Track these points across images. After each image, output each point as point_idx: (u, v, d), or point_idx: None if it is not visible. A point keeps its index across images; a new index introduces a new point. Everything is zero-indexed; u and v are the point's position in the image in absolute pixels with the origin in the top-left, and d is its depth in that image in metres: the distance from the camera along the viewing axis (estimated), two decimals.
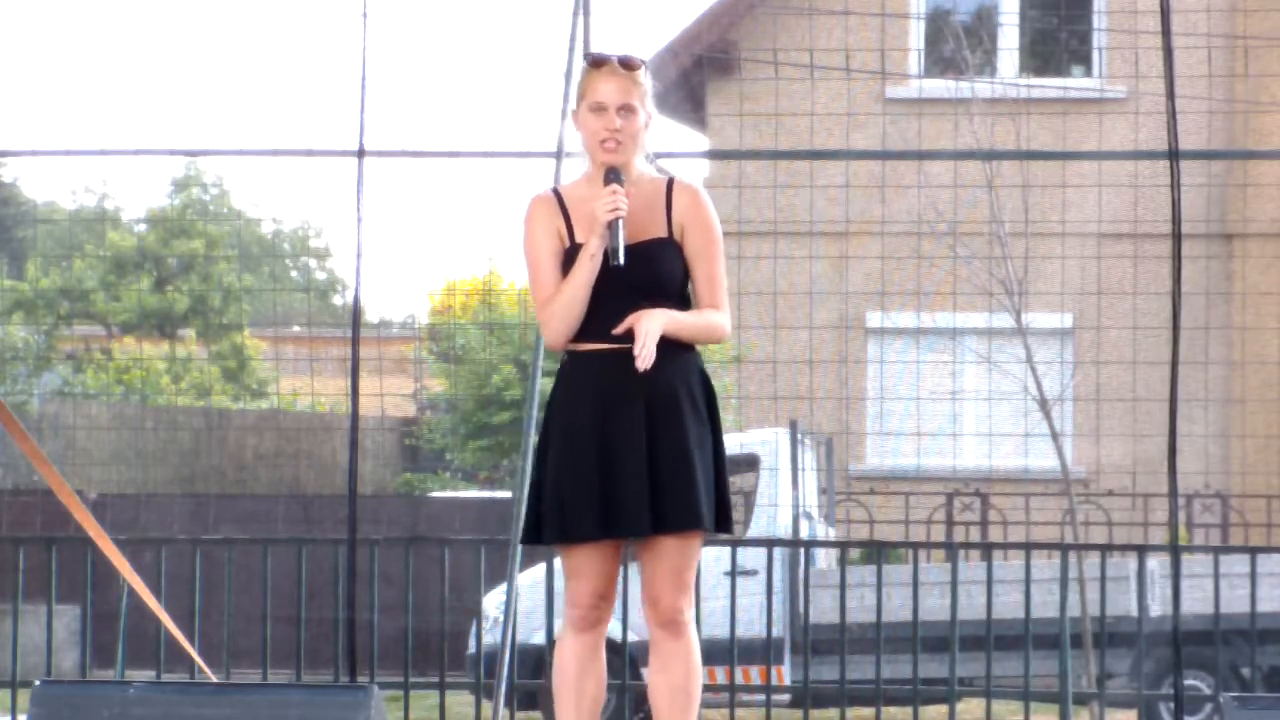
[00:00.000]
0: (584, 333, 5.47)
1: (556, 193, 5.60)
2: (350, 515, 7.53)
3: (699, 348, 5.60)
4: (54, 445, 22.46)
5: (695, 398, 5.51)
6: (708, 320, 5.53)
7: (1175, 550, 7.62)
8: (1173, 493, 7.14)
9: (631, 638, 10.89)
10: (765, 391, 13.45)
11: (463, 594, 12.36)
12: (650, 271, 5.47)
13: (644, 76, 5.55)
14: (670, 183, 5.59)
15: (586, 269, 5.42)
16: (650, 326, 5.39)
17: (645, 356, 5.36)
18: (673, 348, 5.46)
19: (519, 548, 9.12)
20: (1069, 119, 17.72)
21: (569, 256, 5.49)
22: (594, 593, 5.50)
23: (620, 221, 5.40)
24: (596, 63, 5.52)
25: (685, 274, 5.55)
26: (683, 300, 5.55)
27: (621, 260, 5.40)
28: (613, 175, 5.46)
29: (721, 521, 5.52)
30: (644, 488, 5.40)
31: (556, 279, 5.48)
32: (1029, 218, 14.02)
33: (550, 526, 5.48)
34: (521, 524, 5.63)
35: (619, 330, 5.42)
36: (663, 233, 5.52)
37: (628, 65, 5.51)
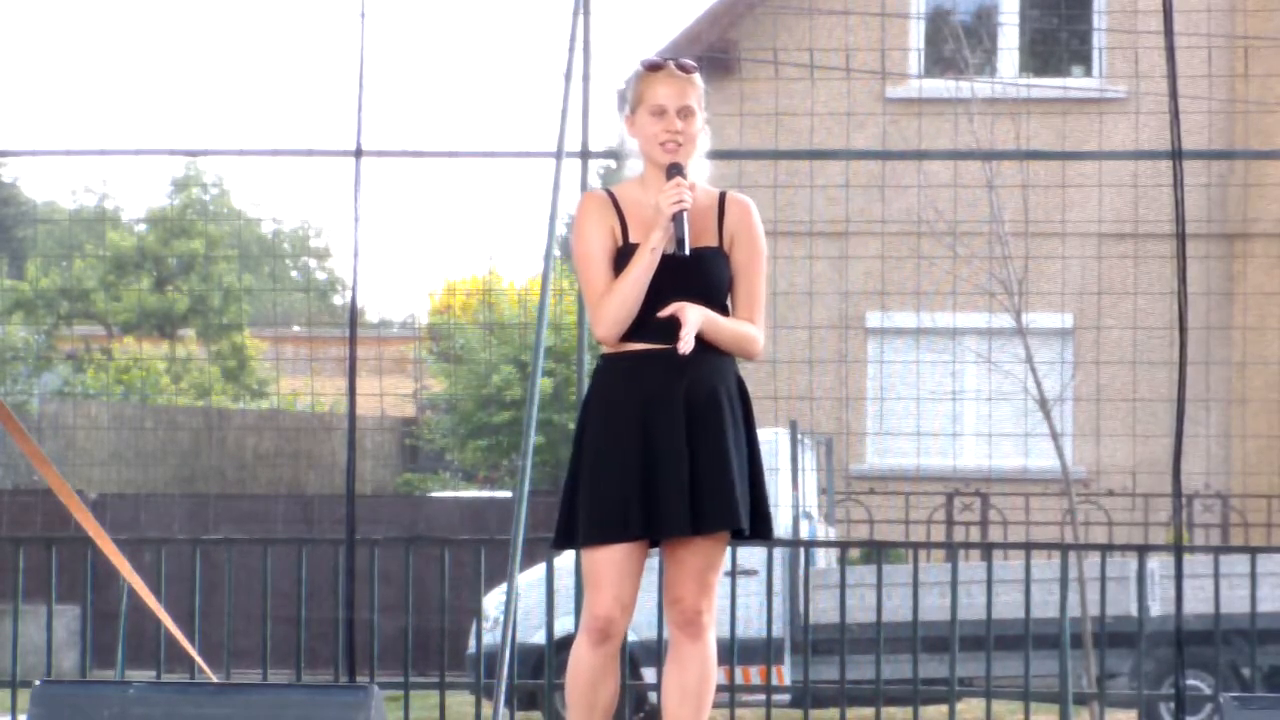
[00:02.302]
0: (627, 333, 5.44)
1: (610, 192, 5.55)
2: (349, 515, 7.51)
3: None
4: (54, 445, 22.46)
5: (733, 402, 5.50)
6: (745, 331, 5.51)
7: (1178, 550, 7.61)
8: (1176, 493, 7.12)
9: (631, 638, 10.88)
10: (765, 391, 13.41)
11: (463, 594, 12.35)
12: (701, 277, 5.45)
13: (699, 79, 5.54)
14: (723, 195, 5.57)
15: (646, 262, 5.38)
16: (693, 316, 5.37)
17: (686, 342, 5.34)
18: (711, 352, 5.45)
19: (519, 548, 9.10)
20: (1069, 119, 17.70)
21: (620, 255, 5.45)
22: (616, 600, 5.41)
23: (685, 214, 5.38)
24: (652, 67, 5.49)
25: (729, 286, 5.53)
26: (723, 312, 5.51)
27: (687, 251, 5.38)
28: (675, 169, 5.43)
29: (759, 525, 5.50)
30: (685, 487, 5.37)
31: (609, 275, 5.44)
32: (1029, 218, 13.99)
33: (588, 527, 5.42)
34: (554, 526, 5.56)
35: (664, 314, 5.37)
36: (714, 242, 5.50)
37: (684, 68, 5.50)
